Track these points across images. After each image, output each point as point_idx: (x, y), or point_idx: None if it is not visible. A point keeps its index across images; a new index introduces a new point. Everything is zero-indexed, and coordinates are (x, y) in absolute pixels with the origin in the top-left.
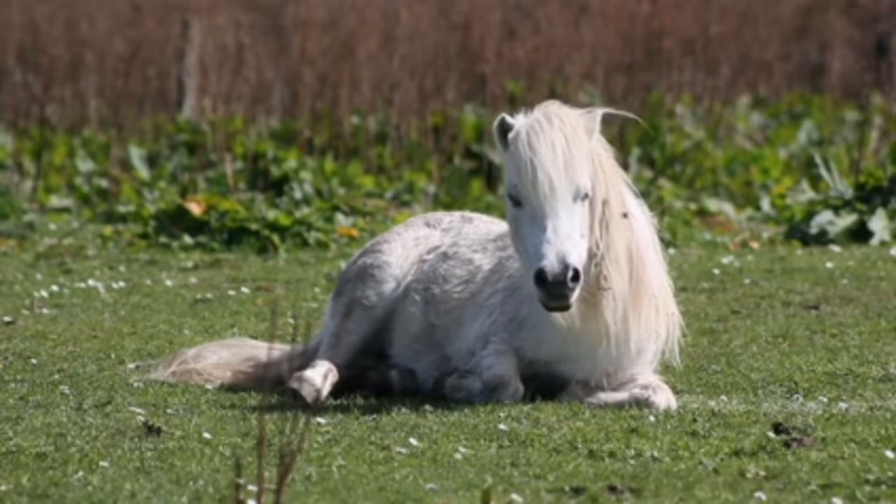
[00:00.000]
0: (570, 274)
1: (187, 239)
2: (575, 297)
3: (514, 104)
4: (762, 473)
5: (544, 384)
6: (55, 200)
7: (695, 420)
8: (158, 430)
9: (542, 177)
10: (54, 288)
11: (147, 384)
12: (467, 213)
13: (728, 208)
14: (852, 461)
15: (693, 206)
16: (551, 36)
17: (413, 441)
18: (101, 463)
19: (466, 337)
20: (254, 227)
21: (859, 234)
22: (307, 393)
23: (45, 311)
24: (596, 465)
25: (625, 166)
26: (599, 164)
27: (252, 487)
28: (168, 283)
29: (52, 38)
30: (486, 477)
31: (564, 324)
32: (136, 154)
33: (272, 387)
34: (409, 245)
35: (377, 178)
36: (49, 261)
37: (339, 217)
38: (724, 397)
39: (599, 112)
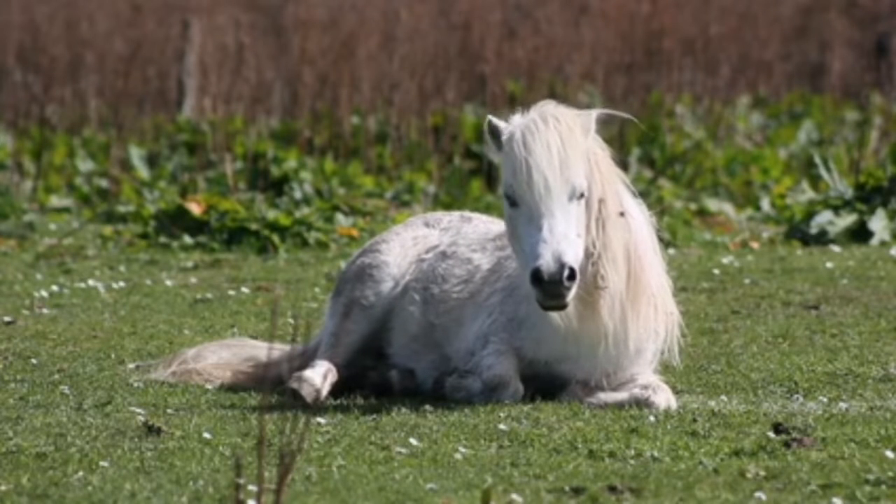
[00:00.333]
0: (566, 273)
1: (187, 239)
2: (571, 296)
3: (514, 104)
4: (762, 473)
5: (544, 384)
6: (55, 200)
7: (695, 420)
8: (158, 430)
9: (537, 176)
10: (54, 288)
11: (147, 384)
12: (466, 213)
13: (728, 208)
14: (852, 461)
15: (693, 206)
16: (551, 36)
17: (413, 441)
18: (101, 463)
19: (466, 337)
20: (254, 227)
21: (859, 234)
22: (307, 393)
23: (45, 311)
24: (596, 465)
25: (624, 166)
26: (596, 164)
27: (252, 487)
28: (168, 283)
29: (52, 38)
30: (486, 477)
31: (562, 324)
32: (136, 154)
33: (272, 387)
34: (408, 245)
35: (377, 178)
36: (49, 261)
37: (339, 217)
38: (724, 397)
39: (595, 111)
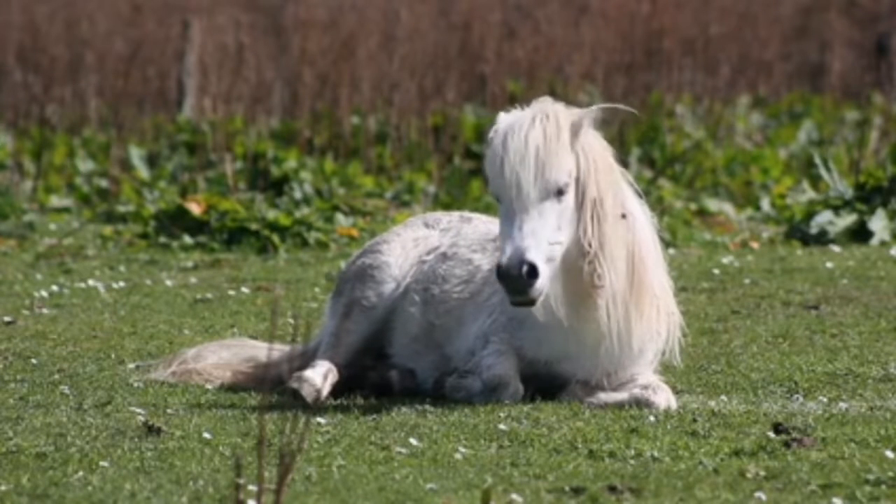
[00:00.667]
0: (524, 269)
1: (187, 239)
2: (539, 293)
3: (514, 104)
4: (762, 473)
5: (544, 384)
6: (55, 200)
7: (695, 420)
8: (158, 430)
9: (509, 174)
10: (54, 288)
11: (147, 384)
12: (466, 213)
13: (728, 208)
14: (852, 461)
15: (693, 206)
16: (551, 36)
17: (413, 441)
18: (101, 463)
19: (466, 337)
20: (254, 227)
21: (859, 234)
22: (307, 393)
23: (45, 311)
24: (596, 465)
25: (624, 166)
26: (593, 162)
27: (252, 487)
28: (168, 283)
29: (52, 38)
30: (486, 477)
31: (563, 323)
32: (136, 154)
33: (272, 387)
34: (409, 245)
35: (377, 178)
36: (49, 261)
37: (339, 217)
38: (724, 397)
39: (593, 109)
